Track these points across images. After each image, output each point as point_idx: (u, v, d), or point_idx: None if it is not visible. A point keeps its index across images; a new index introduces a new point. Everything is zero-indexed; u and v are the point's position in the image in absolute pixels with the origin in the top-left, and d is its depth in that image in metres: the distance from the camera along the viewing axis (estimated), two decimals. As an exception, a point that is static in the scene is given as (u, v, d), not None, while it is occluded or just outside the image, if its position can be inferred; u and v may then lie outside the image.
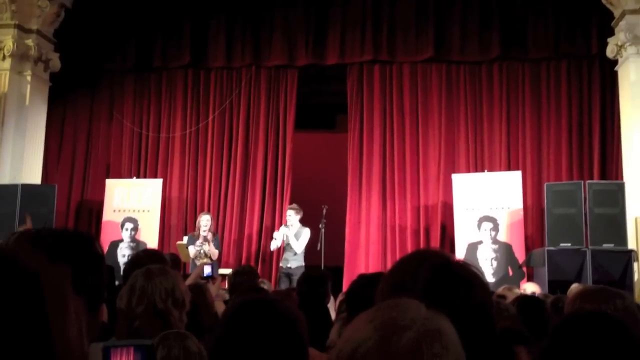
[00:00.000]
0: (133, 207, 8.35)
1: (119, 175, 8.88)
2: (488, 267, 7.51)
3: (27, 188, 7.87)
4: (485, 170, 8.11)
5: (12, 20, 8.13)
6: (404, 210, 8.41)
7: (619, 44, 7.51)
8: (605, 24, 7.86)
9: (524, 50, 8.42)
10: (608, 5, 7.70)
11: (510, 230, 7.62)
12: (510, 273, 7.44)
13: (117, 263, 7.83)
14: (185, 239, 7.77)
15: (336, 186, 8.96)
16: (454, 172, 8.20)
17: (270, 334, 1.44)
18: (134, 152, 9.13)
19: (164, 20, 9.03)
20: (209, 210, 8.39)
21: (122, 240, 8.23)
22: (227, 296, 4.31)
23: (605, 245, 6.77)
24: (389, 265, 2.11)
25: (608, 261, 6.63)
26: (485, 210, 7.71)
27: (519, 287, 5.43)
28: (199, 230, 7.61)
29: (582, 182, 7.24)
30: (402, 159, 8.56)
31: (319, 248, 7.59)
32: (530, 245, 7.77)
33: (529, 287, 5.17)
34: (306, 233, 7.66)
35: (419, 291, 1.09)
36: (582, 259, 6.70)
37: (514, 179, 7.79)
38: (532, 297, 3.71)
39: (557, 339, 1.54)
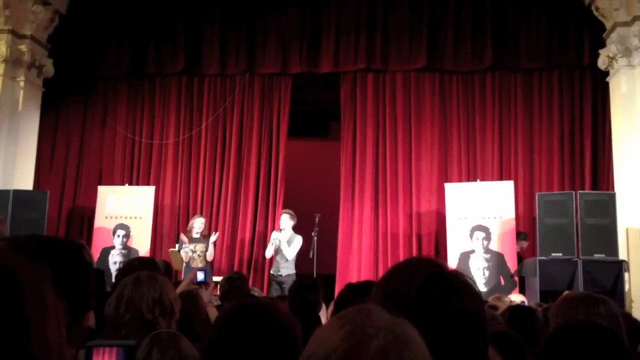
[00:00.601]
0: (125, 213, 8.31)
1: (111, 181, 8.84)
2: (480, 276, 7.52)
3: (19, 194, 7.84)
4: (478, 180, 8.14)
5: (5, 26, 8.12)
6: (397, 218, 8.42)
7: (610, 55, 7.58)
8: (596, 36, 7.94)
9: (517, 60, 8.48)
10: (600, 17, 7.77)
11: (502, 240, 7.64)
12: (503, 282, 7.45)
13: (109, 270, 7.79)
14: (178, 246, 7.73)
15: (329, 194, 8.95)
16: (447, 181, 8.23)
17: (263, 339, 1.43)
18: (127, 158, 9.10)
19: (158, 27, 9.04)
20: (201, 214, 8.36)
21: (113, 247, 8.19)
22: (217, 302, 4.29)
23: (597, 256, 6.80)
24: (380, 274, 2.11)
25: (599, 271, 6.65)
26: (478, 219, 7.72)
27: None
28: (191, 232, 7.62)
29: (574, 192, 7.27)
30: (395, 168, 8.57)
31: (311, 256, 7.58)
32: (522, 255, 7.78)
33: (515, 298, 5.18)
34: (298, 240, 7.65)
35: (412, 298, 1.09)
36: (573, 268, 6.72)
37: (506, 188, 7.81)
38: (523, 307, 3.73)
39: (551, 347, 1.55)
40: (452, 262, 7.61)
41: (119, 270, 3.28)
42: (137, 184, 8.82)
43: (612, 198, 7.09)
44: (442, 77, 8.71)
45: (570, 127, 8.35)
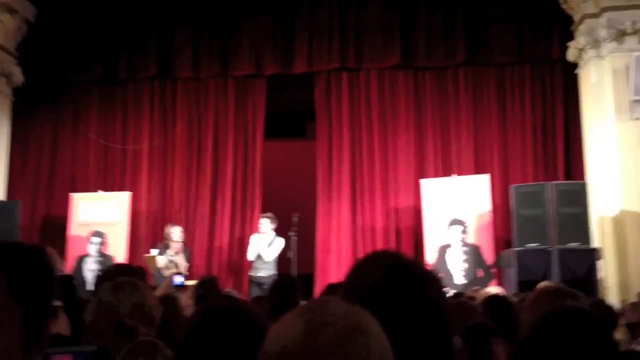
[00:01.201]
0: (99, 220, 8.20)
1: (85, 189, 8.70)
2: (459, 269, 7.58)
3: (-10, 204, 7.72)
4: (454, 174, 8.20)
5: (-29, 35, 7.97)
6: (375, 215, 8.45)
7: (579, 47, 7.68)
8: (565, 29, 8.05)
9: (489, 55, 8.58)
10: (568, 10, 7.88)
11: (479, 233, 7.72)
12: (481, 274, 7.53)
13: (83, 278, 7.70)
14: (154, 251, 7.61)
15: (307, 194, 8.94)
16: (423, 177, 8.28)
17: (235, 340, 1.42)
18: (100, 165, 8.98)
19: (129, 32, 8.94)
20: (178, 222, 8.23)
21: (88, 255, 8.08)
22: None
23: (571, 244, 6.90)
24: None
25: (574, 259, 6.75)
26: (455, 213, 7.78)
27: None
28: (168, 240, 7.48)
29: (547, 183, 7.37)
30: (372, 165, 8.60)
31: (291, 256, 7.56)
32: (499, 247, 7.87)
33: (492, 290, 5.25)
34: (279, 242, 7.63)
35: (372, 289, 1.10)
36: (549, 258, 6.82)
37: (482, 182, 7.89)
38: (499, 297, 3.78)
39: (538, 333, 1.59)
40: (431, 256, 7.67)
41: (98, 277, 3.24)
42: (112, 190, 8.70)
43: (583, 187, 7.20)
44: (416, 74, 8.76)
45: (543, 119, 8.47)
